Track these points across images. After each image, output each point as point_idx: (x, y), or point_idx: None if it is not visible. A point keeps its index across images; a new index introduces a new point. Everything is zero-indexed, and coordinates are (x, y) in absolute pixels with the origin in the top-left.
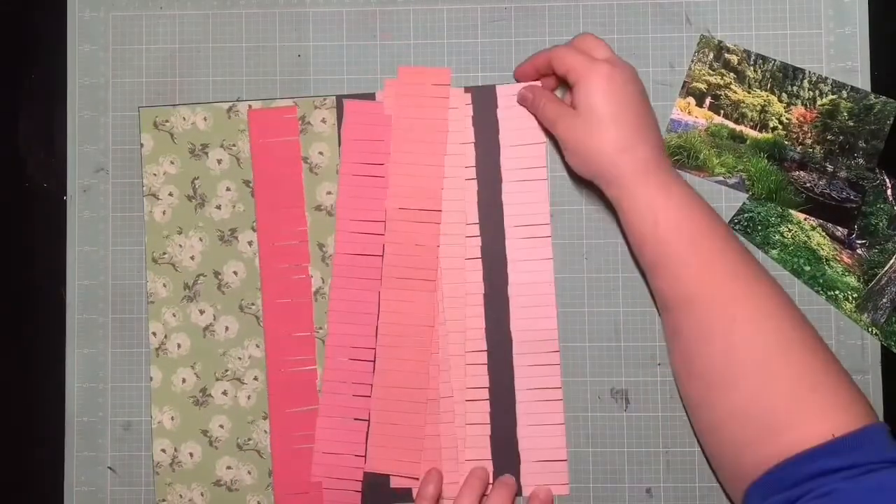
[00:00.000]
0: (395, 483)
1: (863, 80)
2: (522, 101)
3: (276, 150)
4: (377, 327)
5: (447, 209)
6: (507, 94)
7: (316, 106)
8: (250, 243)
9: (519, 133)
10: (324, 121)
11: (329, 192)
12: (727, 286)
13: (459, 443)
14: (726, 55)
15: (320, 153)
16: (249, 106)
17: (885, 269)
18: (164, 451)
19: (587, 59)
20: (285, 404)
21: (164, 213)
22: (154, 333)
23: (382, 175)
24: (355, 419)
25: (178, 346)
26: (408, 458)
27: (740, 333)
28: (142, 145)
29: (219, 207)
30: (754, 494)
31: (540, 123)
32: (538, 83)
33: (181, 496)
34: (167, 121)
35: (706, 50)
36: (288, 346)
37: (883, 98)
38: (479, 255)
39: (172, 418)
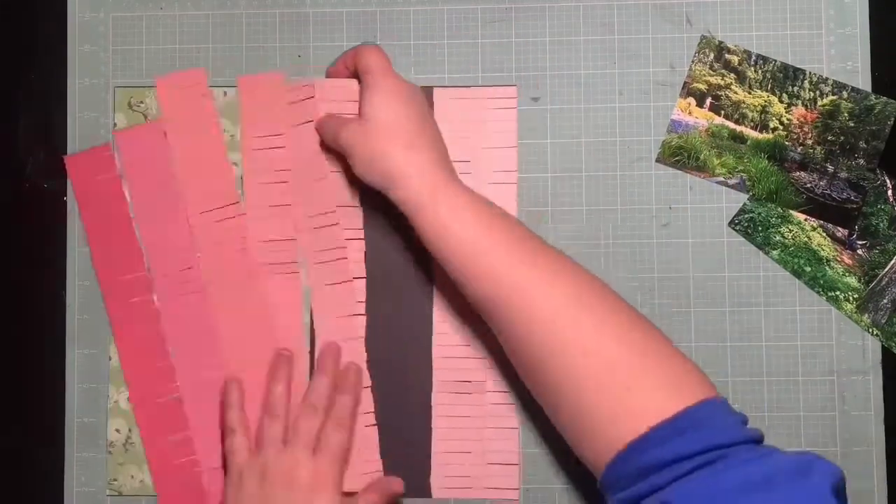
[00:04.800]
0: None
1: (863, 81)
2: (317, 126)
3: (100, 191)
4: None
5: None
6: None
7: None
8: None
9: (490, 136)
10: None
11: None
12: (534, 271)
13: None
14: (727, 56)
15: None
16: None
17: (886, 269)
18: (118, 430)
19: (386, 64)
20: (158, 435)
21: None
22: None
23: (174, 188)
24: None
25: None
26: None
27: (561, 318)
28: (115, 125)
29: None
30: (606, 487)
31: (327, 148)
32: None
33: (132, 476)
34: (142, 102)
35: (707, 50)
36: (150, 380)
37: (884, 99)
38: (363, 238)
39: (128, 398)
